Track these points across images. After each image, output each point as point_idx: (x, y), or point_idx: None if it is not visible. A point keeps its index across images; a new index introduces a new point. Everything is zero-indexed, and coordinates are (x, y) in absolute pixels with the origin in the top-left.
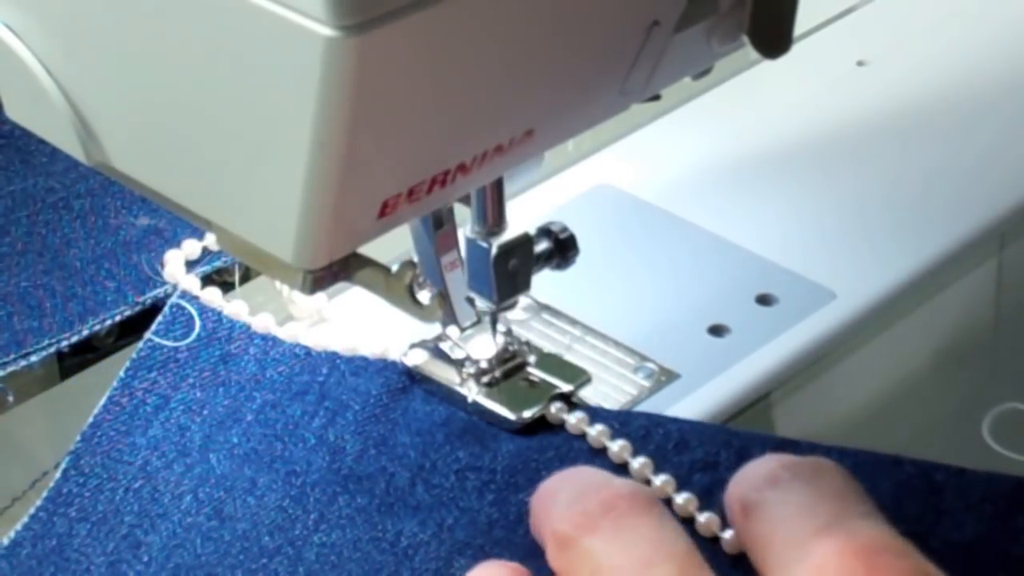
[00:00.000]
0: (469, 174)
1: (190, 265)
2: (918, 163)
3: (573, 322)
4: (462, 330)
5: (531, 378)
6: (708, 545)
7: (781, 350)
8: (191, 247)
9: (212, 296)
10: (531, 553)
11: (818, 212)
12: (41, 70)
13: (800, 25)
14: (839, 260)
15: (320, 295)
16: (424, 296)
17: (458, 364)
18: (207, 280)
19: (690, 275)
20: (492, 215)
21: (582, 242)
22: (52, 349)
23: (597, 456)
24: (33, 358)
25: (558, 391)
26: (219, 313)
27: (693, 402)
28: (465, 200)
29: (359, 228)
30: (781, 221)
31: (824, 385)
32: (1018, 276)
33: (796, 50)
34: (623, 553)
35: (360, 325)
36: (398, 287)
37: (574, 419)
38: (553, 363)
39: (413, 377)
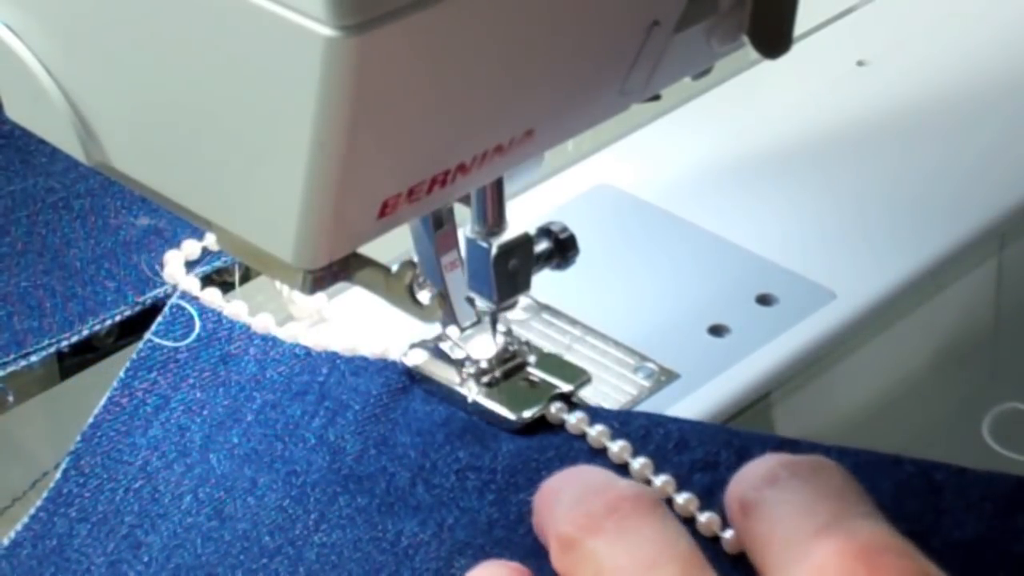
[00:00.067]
0: (469, 174)
1: (190, 265)
2: (918, 163)
3: (573, 322)
4: (462, 330)
5: (531, 378)
6: (709, 545)
7: (781, 350)
8: (191, 247)
9: (212, 296)
10: (531, 553)
11: (818, 212)
12: (41, 70)
13: (800, 25)
14: (839, 260)
15: (320, 295)
16: (424, 296)
17: (458, 364)
18: (207, 280)
19: (690, 275)
20: (492, 215)
21: (582, 242)
22: (52, 349)
23: (597, 456)
24: (33, 358)
25: (558, 391)
26: (219, 313)
27: (693, 402)
28: (465, 200)
29: (359, 228)
30: (781, 221)
31: (824, 385)
32: (1018, 276)
33: (796, 50)
34: (626, 555)
35: (360, 325)
36: (398, 287)
37: (574, 419)
38: (553, 363)
39: (413, 377)
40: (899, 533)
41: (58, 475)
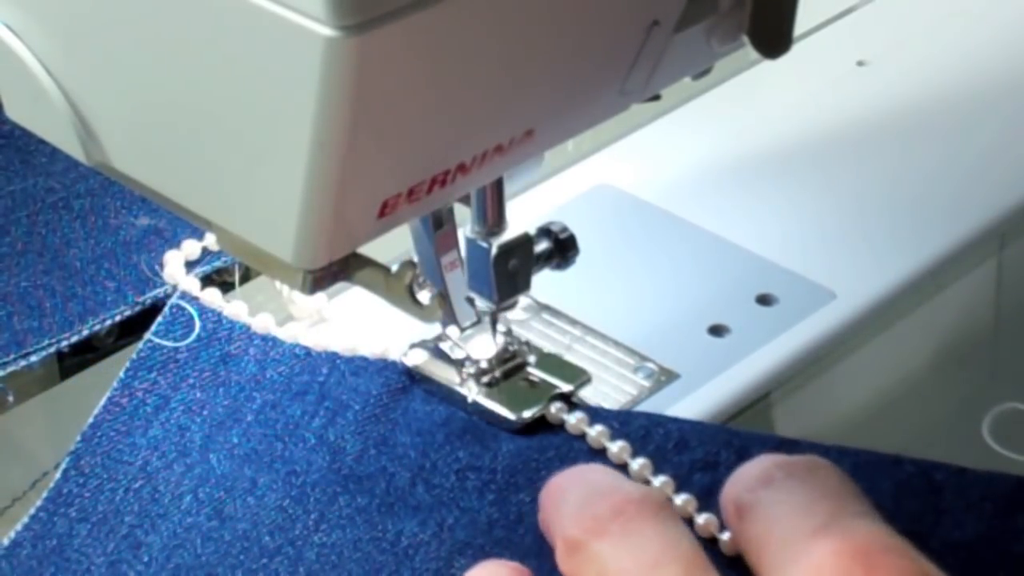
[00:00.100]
0: (469, 174)
1: (190, 265)
2: (918, 163)
3: (573, 322)
4: (462, 330)
5: (531, 378)
6: (708, 546)
7: (781, 350)
8: (191, 247)
9: (212, 297)
10: (531, 553)
11: (818, 212)
12: (41, 70)
13: (800, 25)
14: (839, 260)
15: (320, 295)
16: (424, 296)
17: (458, 364)
18: (207, 280)
19: (690, 275)
20: (492, 215)
21: (582, 242)
22: (52, 349)
23: (597, 457)
24: (33, 358)
25: (558, 391)
26: (219, 313)
27: (693, 402)
28: (465, 200)
29: (359, 228)
30: (781, 221)
31: (824, 385)
32: (1018, 276)
33: (796, 50)
34: (630, 556)
35: (360, 325)
36: (398, 287)
37: (574, 419)
38: (553, 363)
39: (413, 377)
40: (897, 532)
41: (58, 475)
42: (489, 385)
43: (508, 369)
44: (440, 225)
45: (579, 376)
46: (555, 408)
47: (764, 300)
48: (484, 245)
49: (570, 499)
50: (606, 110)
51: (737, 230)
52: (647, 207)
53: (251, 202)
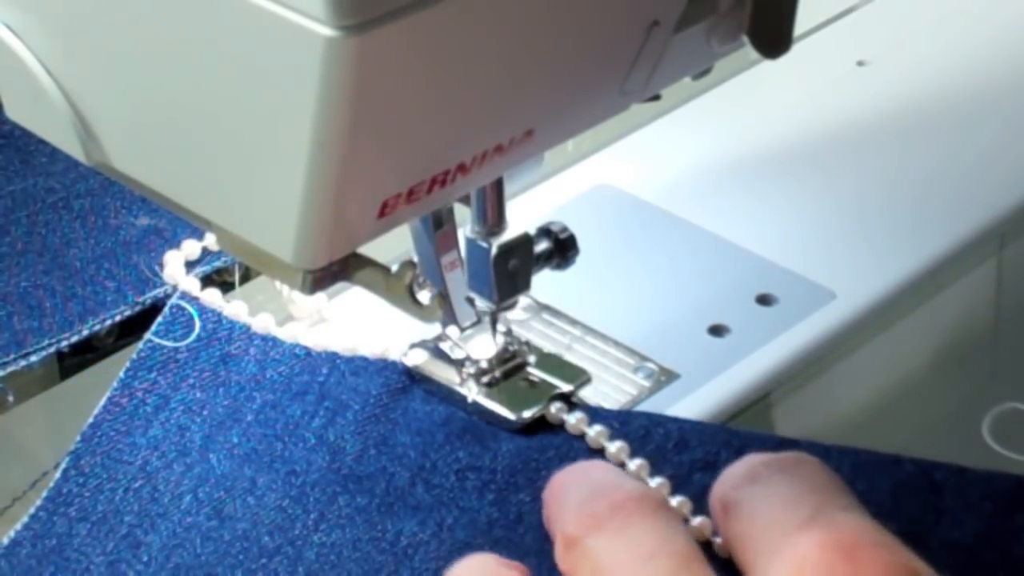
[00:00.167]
0: (469, 174)
1: (190, 265)
2: (918, 163)
3: (573, 322)
4: (462, 330)
5: (531, 378)
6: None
7: (781, 350)
8: (191, 247)
9: (212, 297)
10: (531, 552)
11: (818, 212)
12: (41, 70)
13: (800, 25)
14: (839, 260)
15: (320, 295)
16: (424, 296)
17: (458, 364)
18: (207, 280)
19: (690, 275)
20: (492, 215)
21: (582, 242)
22: (52, 349)
23: (596, 456)
24: (33, 358)
25: (558, 391)
26: (219, 314)
27: (693, 402)
28: (465, 200)
29: (359, 228)
30: (781, 221)
31: (824, 385)
32: (1018, 276)
33: (796, 50)
34: (624, 550)
35: (360, 325)
36: (398, 287)
37: (574, 419)
38: (553, 363)
39: (413, 377)
40: (882, 527)
41: (58, 475)
42: (489, 385)
43: (508, 369)
44: (440, 225)
45: (579, 376)
46: (555, 408)
47: (764, 300)
48: (484, 245)
49: (571, 497)
50: (606, 110)
51: (737, 230)
52: (647, 207)
53: (251, 202)
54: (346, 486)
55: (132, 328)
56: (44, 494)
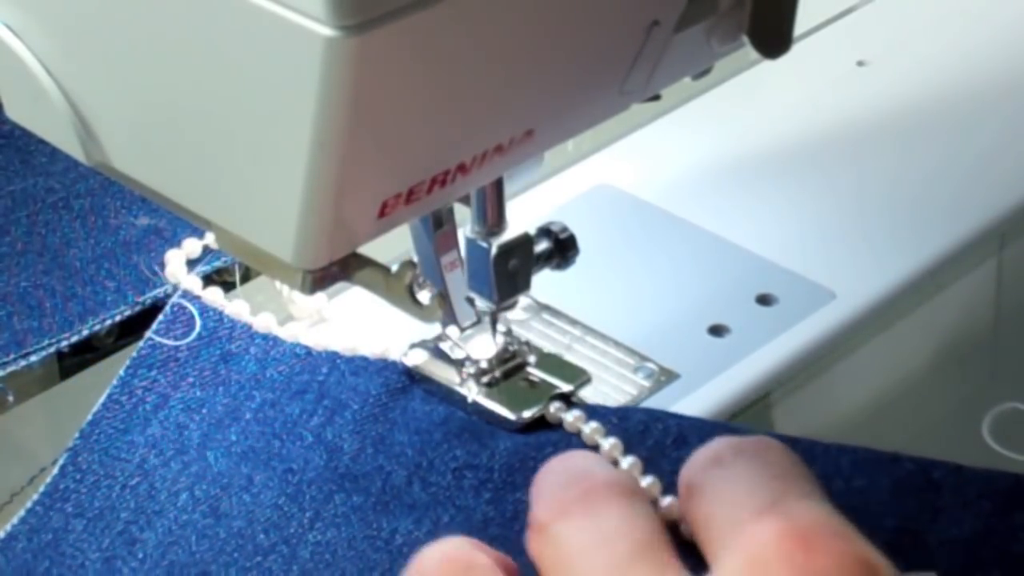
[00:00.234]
0: (469, 174)
1: (191, 264)
2: (918, 163)
3: (573, 322)
4: (462, 330)
5: (531, 378)
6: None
7: (781, 350)
8: (192, 246)
9: (214, 295)
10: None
11: (818, 212)
12: (41, 70)
13: (800, 25)
14: (839, 260)
15: (320, 295)
16: (424, 296)
17: (458, 364)
18: (207, 280)
19: (690, 275)
20: (492, 215)
21: (582, 242)
22: (52, 349)
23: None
24: (33, 358)
25: (558, 391)
26: (220, 312)
27: (693, 402)
28: (465, 200)
29: (359, 228)
30: (781, 221)
31: (824, 385)
32: (1018, 276)
33: (796, 50)
34: (586, 534)
35: (360, 325)
36: (398, 287)
37: (571, 417)
38: (553, 363)
39: (413, 377)
40: (841, 516)
41: (55, 470)
42: (489, 385)
43: (508, 369)
44: (440, 225)
45: (579, 376)
46: (554, 408)
47: (764, 300)
48: (484, 245)
49: (546, 486)
50: (606, 110)
51: (737, 230)
52: (647, 207)
53: (251, 202)
54: (342, 485)
55: (132, 328)
56: (41, 489)
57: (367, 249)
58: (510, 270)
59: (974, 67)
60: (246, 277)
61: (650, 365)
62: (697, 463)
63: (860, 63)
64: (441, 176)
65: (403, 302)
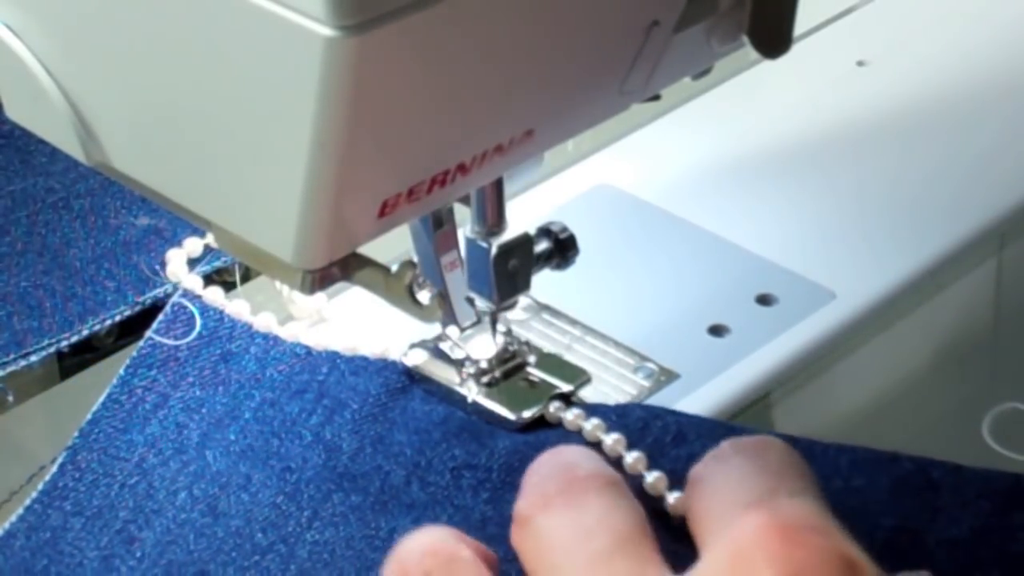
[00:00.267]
0: (469, 174)
1: (192, 263)
2: (918, 163)
3: (573, 322)
4: (462, 330)
5: (531, 378)
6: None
7: (781, 350)
8: (193, 245)
9: (214, 295)
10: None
11: (818, 212)
12: (41, 70)
13: (800, 25)
14: (839, 260)
15: (320, 295)
16: (424, 296)
17: (458, 364)
18: (207, 280)
19: (690, 275)
20: (492, 215)
21: (582, 242)
22: (52, 349)
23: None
24: (33, 358)
25: (558, 391)
26: (220, 312)
27: (693, 402)
28: (465, 200)
29: (359, 228)
30: (781, 221)
31: (824, 385)
32: (1018, 276)
33: (796, 50)
34: (566, 528)
35: (360, 325)
36: (398, 287)
37: (571, 415)
38: (553, 363)
39: (413, 377)
40: (830, 515)
41: (54, 469)
42: (489, 385)
43: (508, 369)
44: (440, 225)
45: (579, 376)
46: (554, 407)
47: (764, 300)
48: (484, 245)
49: (533, 479)
50: (606, 110)
51: (737, 230)
52: (647, 207)
53: (251, 202)
54: (341, 484)
55: (132, 328)
56: (40, 487)
57: (367, 249)
58: (510, 270)
59: (974, 67)
60: (246, 277)
61: (650, 365)
62: (702, 461)
63: (860, 63)
64: (441, 176)
65: (403, 302)
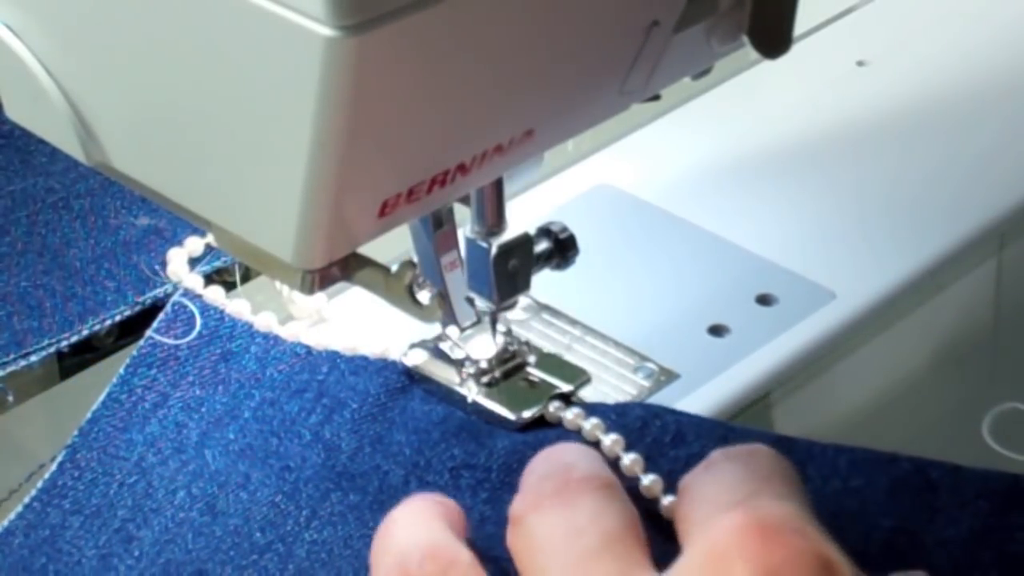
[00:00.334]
0: (469, 174)
1: (193, 262)
2: (918, 163)
3: (573, 322)
4: (462, 330)
5: (531, 378)
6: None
7: (781, 350)
8: (194, 244)
9: (215, 294)
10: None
11: (818, 212)
12: (41, 70)
13: (800, 25)
14: (839, 260)
15: (320, 295)
16: (424, 296)
17: (458, 364)
18: (207, 280)
19: (690, 275)
20: (492, 215)
21: (582, 242)
22: (52, 349)
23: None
24: (33, 358)
25: (558, 391)
26: (221, 311)
27: (693, 402)
28: (465, 200)
29: (359, 228)
30: (781, 221)
31: (824, 385)
32: (1018, 276)
33: (796, 50)
34: (558, 527)
35: (360, 325)
36: (398, 287)
37: (571, 415)
38: (553, 363)
39: (413, 377)
40: (812, 518)
41: (53, 467)
42: (489, 385)
43: (508, 369)
44: (440, 225)
45: (579, 376)
46: (554, 407)
47: (764, 300)
48: (484, 245)
49: (529, 479)
50: (606, 110)
51: (737, 230)
52: (647, 207)
53: (251, 202)
54: (339, 483)
55: (132, 328)
56: (39, 485)
57: (367, 249)
58: (510, 270)
59: (974, 67)
60: (246, 277)
61: (650, 365)
62: (692, 471)
63: (860, 63)
64: (441, 176)
65: (403, 302)
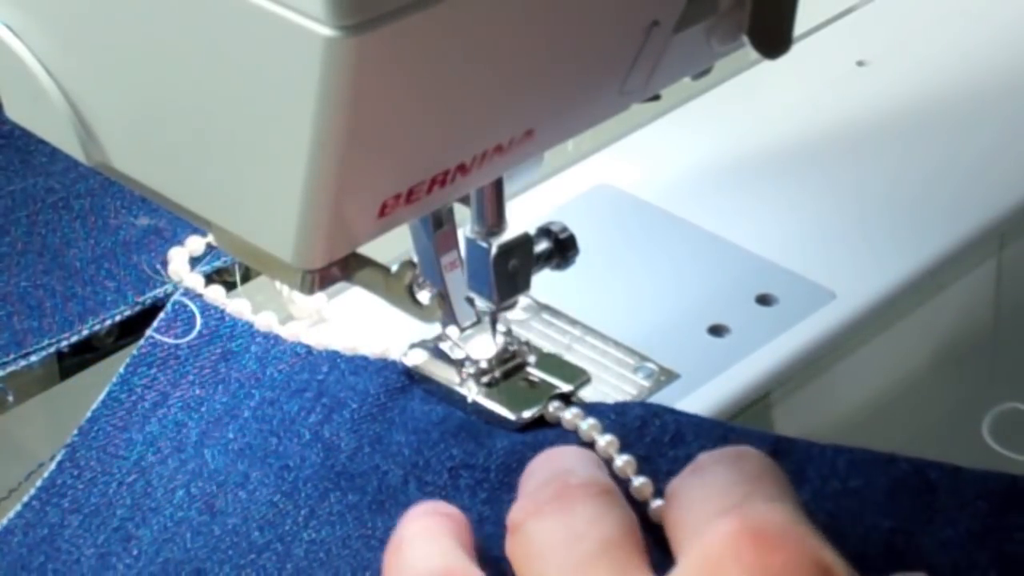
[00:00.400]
0: (469, 174)
1: (193, 262)
2: (918, 163)
3: (573, 322)
4: (462, 330)
5: (531, 378)
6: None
7: (781, 350)
8: (195, 243)
9: (215, 294)
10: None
11: (818, 212)
12: (41, 70)
13: (800, 25)
14: (839, 260)
15: (320, 295)
16: (424, 296)
17: (458, 364)
18: (208, 280)
19: (690, 275)
20: (492, 215)
21: (582, 242)
22: (52, 349)
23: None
24: (33, 358)
25: (558, 391)
26: (221, 311)
27: (693, 402)
28: (465, 200)
29: (359, 228)
30: (781, 221)
31: (824, 385)
32: (1018, 276)
33: (796, 50)
34: (557, 532)
35: (360, 325)
36: (398, 287)
37: (570, 415)
38: (553, 363)
39: (413, 377)
40: (805, 520)
41: (52, 466)
42: (489, 385)
43: (508, 369)
44: (440, 225)
45: (579, 376)
46: (553, 407)
47: (764, 300)
48: (484, 245)
49: (528, 484)
50: (606, 110)
51: (737, 230)
52: (647, 207)
53: (251, 202)
54: (338, 483)
55: (132, 328)
56: (38, 484)
57: (367, 249)
58: (510, 270)
59: (974, 67)
60: (246, 277)
61: (650, 365)
62: (680, 475)
63: (860, 63)
64: (441, 176)
65: (403, 302)
